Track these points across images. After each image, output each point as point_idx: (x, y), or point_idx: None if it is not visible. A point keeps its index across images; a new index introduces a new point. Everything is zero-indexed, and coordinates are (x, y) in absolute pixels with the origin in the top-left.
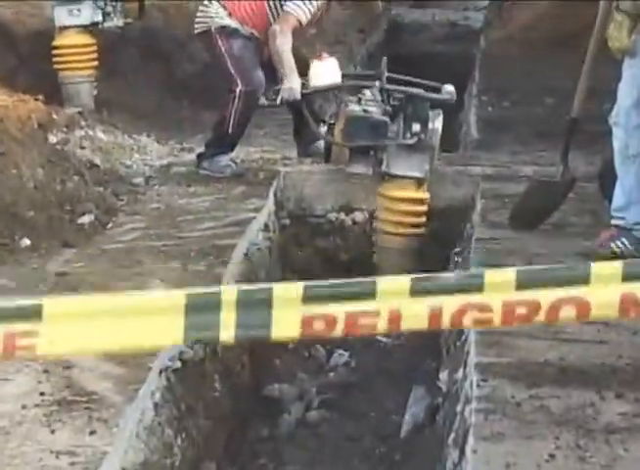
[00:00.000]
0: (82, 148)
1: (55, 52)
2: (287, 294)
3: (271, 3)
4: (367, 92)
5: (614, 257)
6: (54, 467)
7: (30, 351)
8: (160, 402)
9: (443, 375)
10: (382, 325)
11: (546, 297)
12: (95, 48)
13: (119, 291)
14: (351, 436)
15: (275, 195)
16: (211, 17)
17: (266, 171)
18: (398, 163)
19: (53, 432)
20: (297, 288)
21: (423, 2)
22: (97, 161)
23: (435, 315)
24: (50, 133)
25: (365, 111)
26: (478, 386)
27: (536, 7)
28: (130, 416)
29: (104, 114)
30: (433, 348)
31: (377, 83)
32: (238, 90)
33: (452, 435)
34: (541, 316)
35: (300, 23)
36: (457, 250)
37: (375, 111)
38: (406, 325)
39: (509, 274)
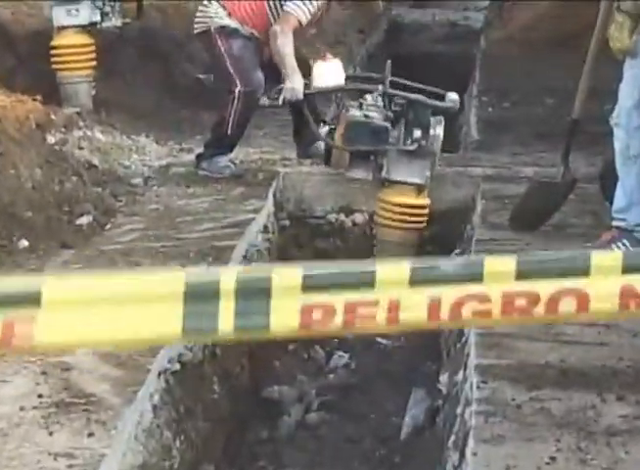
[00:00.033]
0: (80, 148)
1: (53, 52)
2: (286, 283)
3: (271, 3)
4: (368, 97)
5: None
6: (52, 469)
7: (27, 340)
8: (159, 405)
9: (443, 377)
10: (380, 315)
11: (546, 288)
12: (93, 48)
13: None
14: (351, 438)
15: (274, 196)
16: (211, 17)
17: (266, 172)
18: (399, 168)
19: (51, 434)
20: (296, 277)
21: (423, 2)
22: (95, 161)
23: (435, 306)
24: (48, 133)
25: (366, 116)
26: (478, 388)
27: (537, 7)
28: (129, 418)
29: (102, 114)
30: (432, 349)
31: (379, 87)
32: (237, 91)
33: (452, 437)
34: (541, 308)
35: (301, 24)
36: (457, 251)
37: (376, 116)
38: (404, 316)
39: (508, 262)
